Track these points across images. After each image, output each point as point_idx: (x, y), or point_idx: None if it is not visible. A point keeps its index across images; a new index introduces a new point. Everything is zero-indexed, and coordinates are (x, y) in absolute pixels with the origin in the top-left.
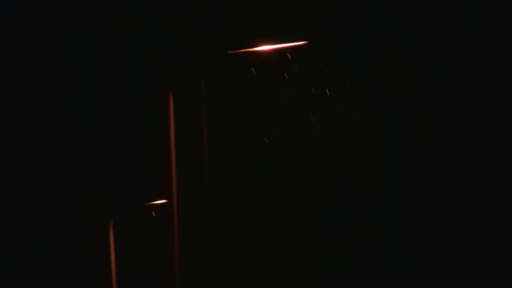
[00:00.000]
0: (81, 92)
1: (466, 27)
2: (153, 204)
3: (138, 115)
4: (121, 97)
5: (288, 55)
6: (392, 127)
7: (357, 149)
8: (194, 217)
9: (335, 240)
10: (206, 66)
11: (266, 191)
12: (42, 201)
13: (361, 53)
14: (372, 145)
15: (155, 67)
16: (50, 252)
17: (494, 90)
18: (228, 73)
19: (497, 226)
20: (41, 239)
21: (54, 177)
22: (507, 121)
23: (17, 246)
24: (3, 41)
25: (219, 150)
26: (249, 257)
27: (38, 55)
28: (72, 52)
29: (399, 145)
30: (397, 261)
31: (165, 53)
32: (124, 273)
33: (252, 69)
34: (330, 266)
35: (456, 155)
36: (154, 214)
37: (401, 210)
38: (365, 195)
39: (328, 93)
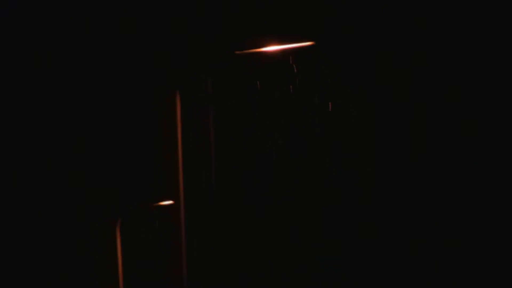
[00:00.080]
0: (81, 92)
1: (466, 27)
2: (160, 205)
3: (138, 115)
4: (121, 97)
5: (290, 57)
6: (392, 127)
7: (357, 149)
8: (200, 217)
9: (335, 240)
10: (206, 66)
11: (270, 191)
12: (42, 201)
13: (361, 53)
14: (372, 145)
15: (155, 67)
16: (50, 252)
17: (494, 90)
18: (231, 73)
19: (497, 226)
20: (41, 239)
21: (54, 177)
22: (507, 121)
23: (17, 246)
24: (3, 41)
25: (224, 151)
26: (252, 256)
27: (38, 55)
28: (72, 52)
29: (399, 145)
30: (397, 261)
31: (165, 53)
32: (130, 273)
33: (258, 82)
34: (330, 266)
35: (456, 155)
36: (157, 224)
37: (401, 210)
38: (365, 195)
39: (328, 93)
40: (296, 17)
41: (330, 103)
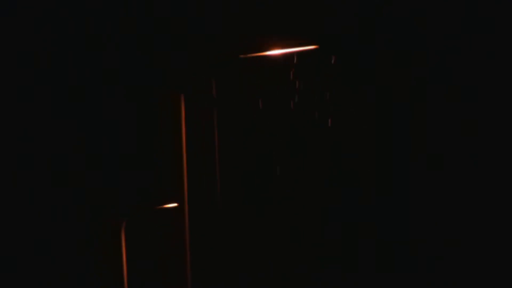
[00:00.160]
0: (81, 92)
1: (466, 27)
2: (165, 207)
3: (138, 115)
4: (121, 97)
5: (291, 58)
6: (392, 127)
7: (357, 149)
8: (204, 219)
9: (335, 240)
10: (206, 66)
11: (271, 192)
12: (42, 201)
13: (361, 53)
14: (372, 145)
15: (155, 67)
16: (50, 252)
17: (494, 90)
18: (231, 74)
19: (497, 226)
20: (41, 239)
21: (54, 177)
22: (507, 121)
23: (17, 246)
24: (3, 41)
25: (227, 152)
26: (254, 257)
27: (38, 55)
28: (72, 52)
29: (399, 145)
30: (397, 261)
31: (165, 53)
32: (134, 275)
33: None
34: (330, 266)
35: (456, 155)
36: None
37: (401, 210)
38: (365, 195)
39: (328, 94)
40: (296, 17)
41: (330, 103)
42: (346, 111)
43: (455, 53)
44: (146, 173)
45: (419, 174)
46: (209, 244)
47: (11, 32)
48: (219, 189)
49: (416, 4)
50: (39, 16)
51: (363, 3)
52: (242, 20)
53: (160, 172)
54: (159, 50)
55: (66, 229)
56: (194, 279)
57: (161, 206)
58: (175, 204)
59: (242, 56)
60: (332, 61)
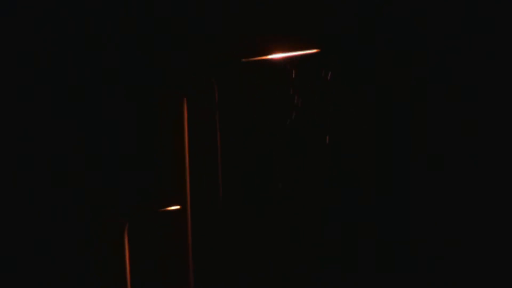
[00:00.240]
0: (81, 92)
1: (466, 27)
2: (168, 210)
3: (138, 115)
4: (121, 97)
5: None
6: (392, 127)
7: (357, 149)
8: (205, 219)
9: (335, 240)
10: (206, 66)
11: (271, 192)
12: (42, 201)
13: (361, 53)
14: (372, 145)
15: (155, 67)
16: (50, 252)
17: (494, 90)
18: (232, 74)
19: (497, 226)
20: (41, 239)
21: (54, 177)
22: (507, 121)
23: (17, 246)
24: (3, 41)
25: (229, 153)
26: (254, 257)
27: (38, 55)
28: (72, 52)
29: (399, 145)
30: (397, 261)
31: (165, 53)
32: (137, 277)
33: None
34: (330, 266)
35: (456, 155)
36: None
37: (401, 210)
38: (365, 195)
39: (328, 93)
40: (296, 17)
41: (330, 103)
42: (346, 111)
43: (455, 53)
44: (146, 173)
45: (419, 174)
46: (210, 244)
47: (11, 32)
48: (220, 189)
49: (416, 4)
50: (39, 16)
51: (363, 3)
52: (242, 20)
53: (160, 172)
54: (159, 50)
55: (66, 229)
56: (197, 281)
57: (164, 209)
58: (177, 207)
59: (244, 60)
60: (328, 77)
